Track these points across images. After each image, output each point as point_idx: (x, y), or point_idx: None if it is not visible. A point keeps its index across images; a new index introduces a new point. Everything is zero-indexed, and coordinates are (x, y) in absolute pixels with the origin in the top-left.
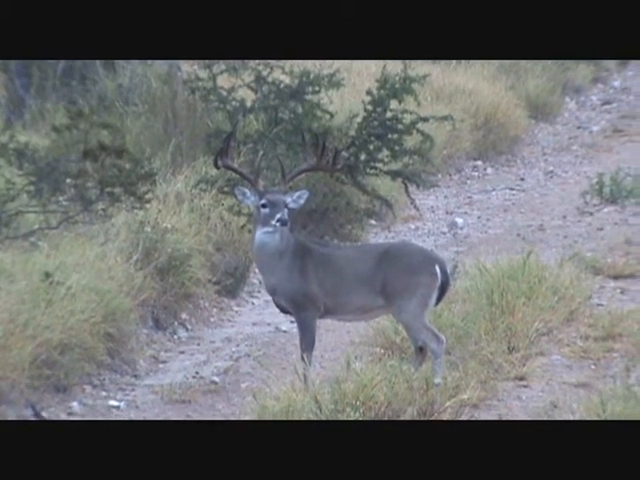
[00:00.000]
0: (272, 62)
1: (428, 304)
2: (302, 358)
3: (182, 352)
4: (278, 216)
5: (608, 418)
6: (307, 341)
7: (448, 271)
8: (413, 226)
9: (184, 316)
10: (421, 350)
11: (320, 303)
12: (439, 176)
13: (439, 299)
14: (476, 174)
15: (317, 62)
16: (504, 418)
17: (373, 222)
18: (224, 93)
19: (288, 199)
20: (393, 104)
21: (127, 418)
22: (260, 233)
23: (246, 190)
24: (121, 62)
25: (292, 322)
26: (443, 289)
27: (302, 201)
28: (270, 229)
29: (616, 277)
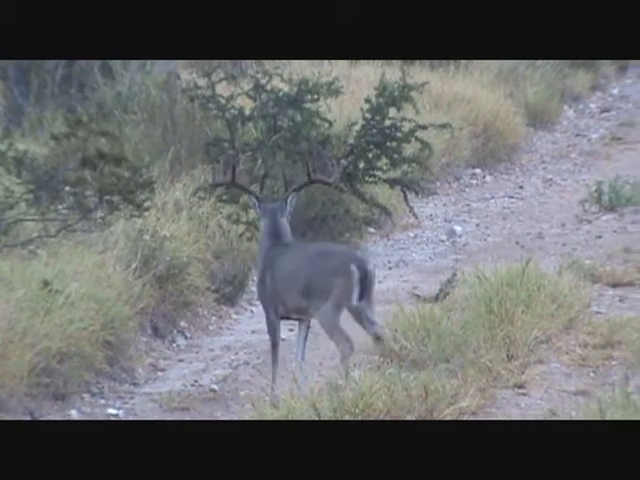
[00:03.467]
0: (271, 70)
1: (343, 305)
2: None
3: (181, 360)
4: None
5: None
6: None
7: (370, 268)
8: (412, 234)
9: (183, 324)
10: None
11: (274, 305)
12: (438, 184)
13: (362, 296)
14: (475, 182)
15: (316, 70)
16: None
17: (372, 230)
18: (223, 101)
19: None
20: (392, 112)
21: None
22: None
23: None
24: (120, 70)
25: (290, 330)
26: (365, 286)
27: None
28: None
29: (615, 285)
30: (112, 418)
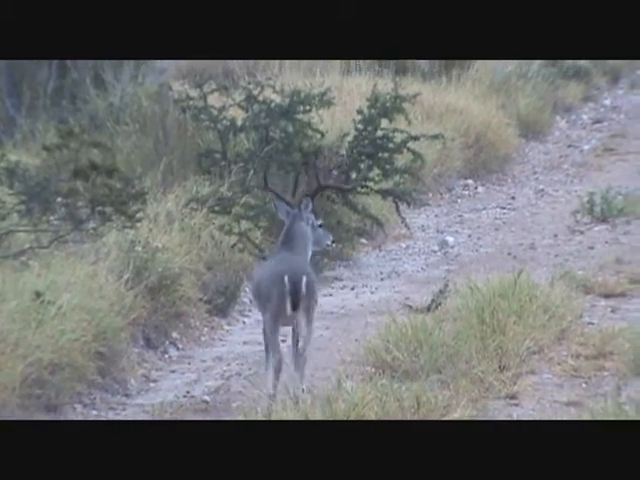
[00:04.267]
0: (263, 81)
1: (280, 315)
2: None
3: (173, 371)
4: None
5: None
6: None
7: (303, 280)
8: (404, 245)
9: (175, 335)
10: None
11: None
12: (430, 195)
13: (295, 307)
14: (467, 193)
15: (308, 81)
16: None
17: (364, 241)
18: (215, 112)
19: None
20: (384, 123)
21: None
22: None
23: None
24: (111, 81)
25: (283, 341)
26: (297, 297)
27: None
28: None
29: (607, 296)
30: None
